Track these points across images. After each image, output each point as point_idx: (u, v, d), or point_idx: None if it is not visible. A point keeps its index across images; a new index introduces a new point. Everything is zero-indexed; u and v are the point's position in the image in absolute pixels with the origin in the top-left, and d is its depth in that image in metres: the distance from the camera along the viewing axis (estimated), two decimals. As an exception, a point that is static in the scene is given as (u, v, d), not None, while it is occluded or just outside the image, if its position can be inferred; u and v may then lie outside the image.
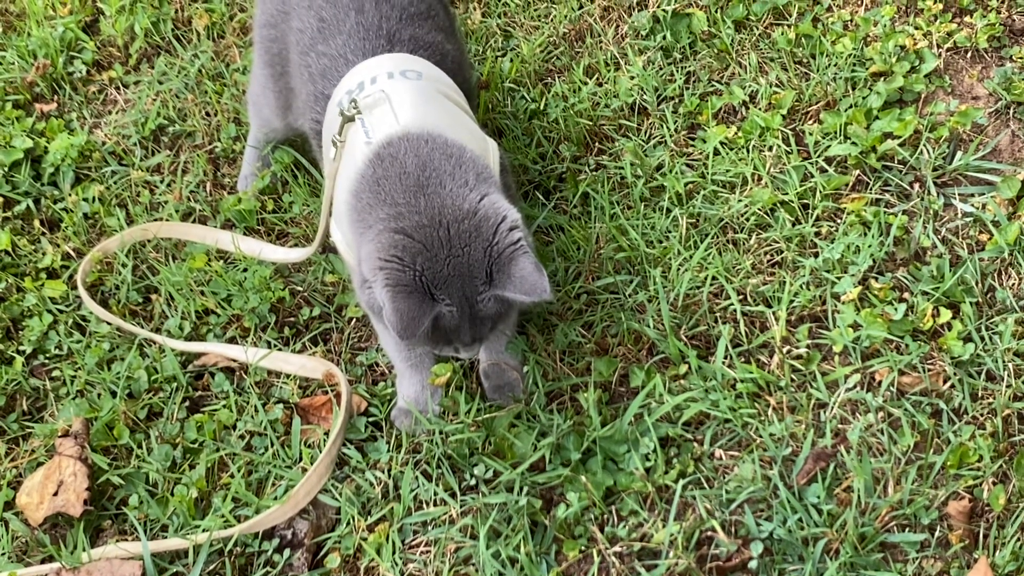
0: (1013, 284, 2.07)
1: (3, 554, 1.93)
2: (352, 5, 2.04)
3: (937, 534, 1.79)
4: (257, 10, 2.26)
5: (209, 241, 2.32)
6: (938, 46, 2.45)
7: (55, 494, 1.95)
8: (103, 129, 2.64)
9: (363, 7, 2.03)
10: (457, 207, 1.75)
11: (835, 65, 2.44)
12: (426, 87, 1.94)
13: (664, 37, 2.57)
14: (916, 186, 2.24)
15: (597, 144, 2.43)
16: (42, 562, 1.91)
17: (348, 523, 1.91)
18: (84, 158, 2.56)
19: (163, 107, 2.64)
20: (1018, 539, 1.76)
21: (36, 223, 2.44)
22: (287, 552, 1.88)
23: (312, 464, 1.95)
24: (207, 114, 2.63)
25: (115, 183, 2.51)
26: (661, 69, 2.54)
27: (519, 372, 2.00)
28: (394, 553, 1.86)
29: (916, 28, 2.48)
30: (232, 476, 1.98)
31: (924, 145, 2.28)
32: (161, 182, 2.50)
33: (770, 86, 2.44)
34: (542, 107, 2.50)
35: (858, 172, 2.27)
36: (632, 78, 2.52)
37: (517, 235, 1.74)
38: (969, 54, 2.45)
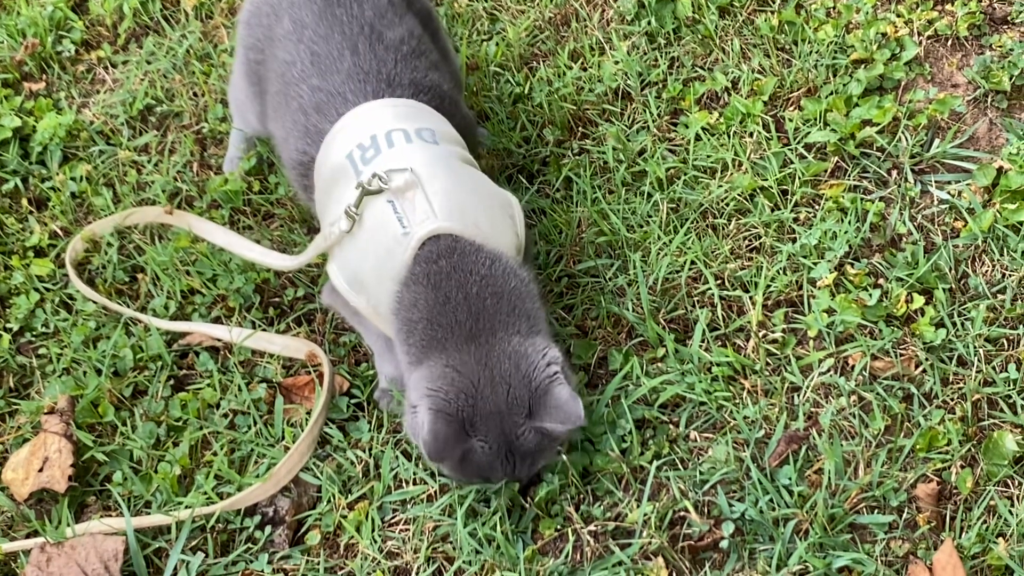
0: (986, 271, 2.10)
1: (-11, 528, 1.96)
2: (346, 44, 2.04)
3: (905, 516, 1.83)
4: (241, 30, 2.25)
5: (219, 240, 2.31)
6: (919, 34, 2.47)
7: (40, 470, 1.98)
8: (91, 109, 2.66)
9: (357, 48, 2.04)
10: (503, 350, 1.80)
11: (817, 52, 2.47)
12: (448, 157, 1.96)
13: (649, 22, 2.60)
14: (894, 173, 2.27)
15: (580, 128, 2.46)
16: (27, 536, 1.94)
17: (329, 501, 1.94)
18: (72, 137, 2.58)
19: (151, 87, 2.67)
20: (984, 521, 1.80)
21: (24, 201, 2.47)
22: (268, 529, 1.92)
23: (294, 443, 1.98)
24: (194, 95, 2.65)
25: (102, 163, 2.53)
26: (645, 54, 2.56)
27: None
28: (373, 530, 1.89)
29: (898, 16, 2.51)
30: (215, 454, 2.01)
31: (902, 132, 2.30)
32: (148, 162, 2.52)
33: (752, 72, 2.47)
34: (527, 91, 2.52)
35: (837, 159, 2.30)
36: (616, 63, 2.54)
37: (554, 368, 1.79)
38: (949, 42, 2.48)
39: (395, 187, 1.87)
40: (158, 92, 2.65)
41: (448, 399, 1.76)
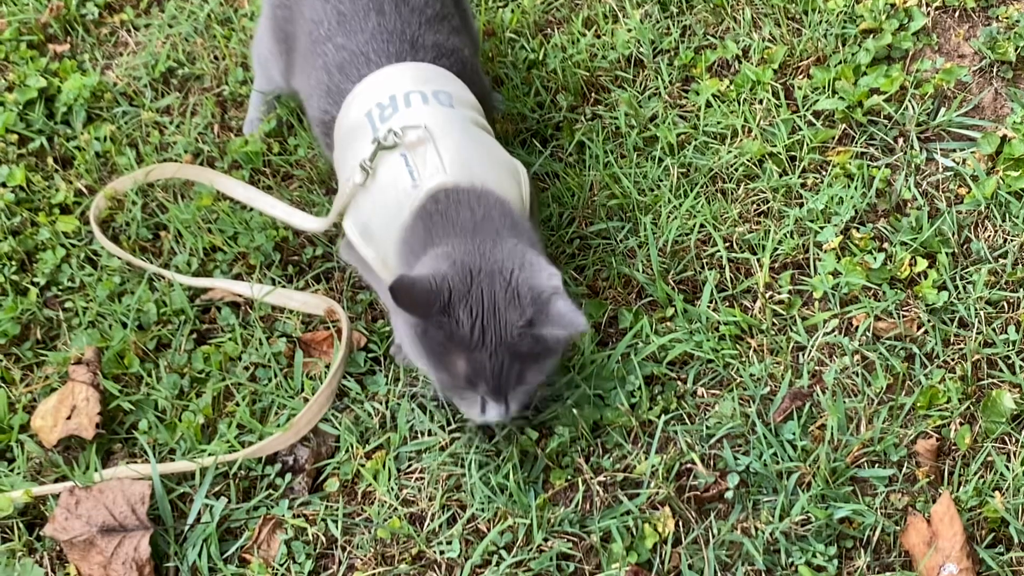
0: (988, 236, 2.16)
1: (19, 473, 2.02)
2: (372, 5, 2.08)
3: (905, 470, 1.88)
4: None
5: (239, 195, 2.37)
6: (927, 4, 2.52)
7: (68, 418, 2.04)
8: (114, 70, 2.72)
9: (383, 8, 2.08)
10: (509, 249, 1.82)
11: (826, 21, 2.52)
12: (462, 120, 2.00)
13: (662, -9, 2.65)
14: (900, 140, 2.32)
15: (593, 95, 2.51)
16: (55, 481, 2.01)
17: (347, 450, 2.00)
18: (96, 98, 2.63)
19: (173, 50, 2.72)
20: (981, 476, 1.86)
21: (50, 160, 2.53)
22: (289, 476, 1.98)
23: (313, 395, 2.04)
24: (215, 58, 2.70)
25: (126, 123, 2.59)
26: (658, 22, 2.61)
27: None
28: (390, 479, 1.95)
29: (906, -14, 2.55)
30: (237, 404, 2.07)
31: (909, 101, 2.35)
32: (170, 123, 2.58)
33: (763, 41, 2.51)
34: (541, 57, 2.57)
35: (844, 126, 2.35)
36: (629, 31, 2.59)
37: (557, 283, 1.80)
38: (957, 13, 2.52)
39: (408, 142, 1.93)
40: (180, 55, 2.70)
41: (439, 271, 1.79)
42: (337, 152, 2.10)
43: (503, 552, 1.84)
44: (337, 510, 1.93)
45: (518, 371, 1.80)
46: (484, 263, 1.79)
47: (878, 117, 2.35)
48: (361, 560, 1.87)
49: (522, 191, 2.01)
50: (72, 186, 2.47)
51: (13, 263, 2.33)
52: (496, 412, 1.84)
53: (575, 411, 1.94)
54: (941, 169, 2.27)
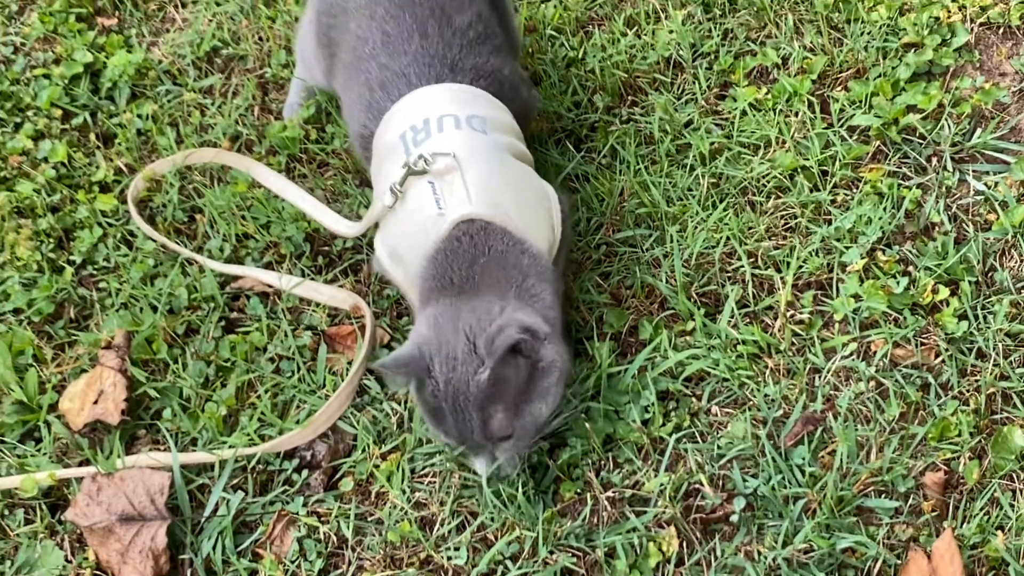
0: (1013, 266, 2.15)
1: (45, 454, 2.08)
2: (416, 27, 2.12)
3: (911, 502, 1.89)
4: None
5: (273, 185, 2.41)
6: (971, 20, 2.49)
7: (95, 402, 2.10)
8: (160, 48, 2.75)
9: (427, 31, 2.12)
10: (474, 306, 1.88)
11: (868, 33, 2.50)
12: (493, 147, 2.03)
13: (706, -8, 2.64)
14: (933, 160, 2.31)
15: (630, 96, 2.51)
16: (79, 465, 2.07)
17: (363, 450, 2.04)
18: (140, 75, 2.68)
19: (218, 29, 2.75)
20: (986, 513, 1.87)
21: (92, 136, 2.57)
22: (305, 472, 2.02)
23: (334, 391, 2.08)
24: (260, 39, 2.73)
25: (168, 102, 2.63)
26: (699, 24, 2.60)
27: None
28: (403, 481, 1.99)
29: (952, 0, 2.52)
30: (259, 397, 2.12)
31: (946, 120, 2.34)
32: (212, 104, 2.61)
33: (803, 49, 2.50)
34: (580, 56, 2.58)
35: (879, 143, 2.34)
36: (671, 32, 2.58)
37: (516, 324, 1.83)
38: (1001, 30, 2.50)
39: (436, 169, 1.96)
40: (225, 34, 2.74)
41: (420, 336, 1.88)
42: (373, 168, 2.14)
43: (509, 563, 1.88)
44: (350, 510, 1.97)
45: (486, 422, 1.85)
46: (451, 323, 1.86)
47: (912, 135, 2.34)
48: (370, 561, 1.92)
49: (553, 219, 2.03)
50: (112, 164, 2.51)
51: (51, 240, 2.39)
52: (481, 466, 1.91)
53: (587, 424, 1.97)
54: (972, 192, 2.26)
